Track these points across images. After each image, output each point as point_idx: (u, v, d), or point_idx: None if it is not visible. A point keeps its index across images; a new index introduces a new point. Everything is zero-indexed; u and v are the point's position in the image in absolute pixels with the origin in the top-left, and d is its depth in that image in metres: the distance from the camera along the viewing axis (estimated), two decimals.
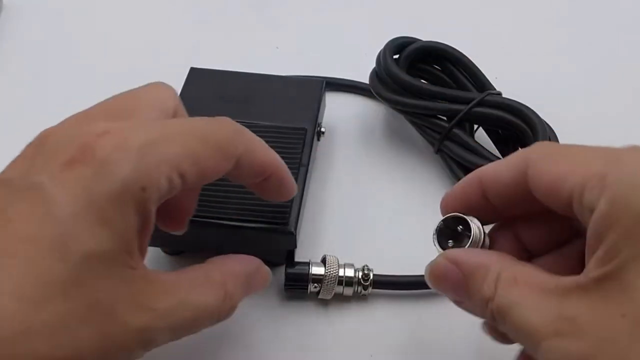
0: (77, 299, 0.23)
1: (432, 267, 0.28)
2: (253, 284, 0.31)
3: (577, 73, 0.50)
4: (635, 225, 0.22)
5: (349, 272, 0.36)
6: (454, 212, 0.29)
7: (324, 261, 0.36)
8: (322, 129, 0.42)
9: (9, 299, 0.22)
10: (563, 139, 0.40)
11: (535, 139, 0.38)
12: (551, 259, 0.29)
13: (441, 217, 0.29)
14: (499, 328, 0.26)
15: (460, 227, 0.28)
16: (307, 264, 0.35)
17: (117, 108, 0.28)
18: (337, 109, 0.46)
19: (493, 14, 0.55)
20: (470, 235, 0.28)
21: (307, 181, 0.38)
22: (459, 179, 0.40)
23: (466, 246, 0.28)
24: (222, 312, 0.28)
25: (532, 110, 0.39)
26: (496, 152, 0.41)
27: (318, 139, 0.41)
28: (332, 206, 0.41)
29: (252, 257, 0.31)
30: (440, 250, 0.28)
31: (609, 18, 0.54)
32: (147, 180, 0.24)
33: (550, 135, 0.39)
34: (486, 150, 0.40)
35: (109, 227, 0.24)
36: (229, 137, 0.28)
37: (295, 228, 0.35)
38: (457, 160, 0.40)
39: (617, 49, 0.51)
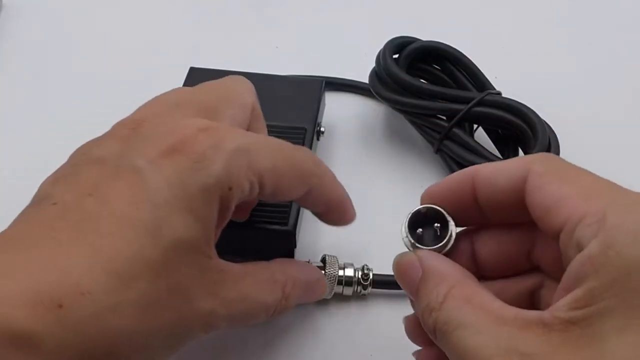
0: (162, 280, 0.24)
1: (401, 258, 0.27)
2: (310, 293, 0.33)
3: (577, 73, 0.49)
4: (622, 276, 0.21)
5: (349, 272, 0.36)
6: (438, 206, 0.28)
7: (323, 261, 0.36)
8: (322, 129, 0.42)
9: (102, 275, 0.23)
10: (563, 139, 0.40)
11: (535, 138, 0.38)
12: (498, 286, 0.28)
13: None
14: (437, 342, 0.25)
15: (437, 224, 0.28)
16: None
17: (202, 102, 0.29)
18: (337, 109, 0.46)
19: (493, 14, 0.55)
20: (444, 236, 0.27)
21: None
22: None
23: (436, 245, 0.27)
24: (276, 310, 0.30)
25: (532, 110, 0.39)
26: (496, 152, 0.41)
27: (318, 139, 0.41)
28: None
29: (316, 268, 0.34)
30: (407, 233, 0.28)
31: (609, 18, 0.54)
32: (235, 181, 0.26)
33: (550, 135, 0.39)
34: (486, 150, 0.40)
35: (197, 217, 0.25)
36: (309, 166, 0.30)
37: (295, 228, 0.35)
38: (456, 159, 0.40)
39: (617, 49, 0.51)
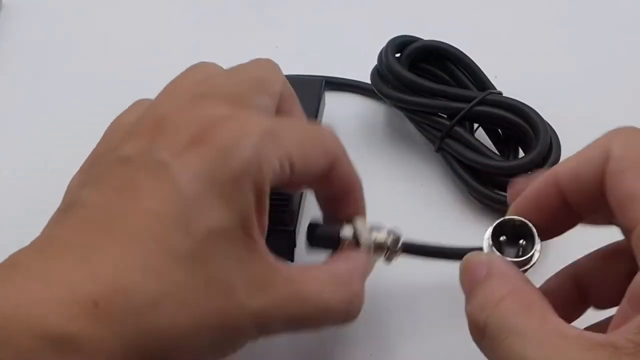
0: (198, 273, 0.24)
1: (471, 256, 0.26)
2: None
3: (577, 73, 0.49)
4: None
5: (380, 235, 0.32)
6: (528, 219, 0.26)
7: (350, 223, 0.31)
8: None
9: (135, 272, 0.23)
10: (563, 139, 0.40)
11: (536, 138, 0.38)
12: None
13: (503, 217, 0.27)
14: (481, 344, 0.23)
15: (523, 241, 0.26)
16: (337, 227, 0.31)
17: (230, 94, 0.28)
18: (337, 109, 0.46)
19: (493, 14, 0.54)
20: (527, 253, 0.26)
21: None
22: (459, 177, 0.40)
23: (516, 259, 0.26)
24: (348, 314, 0.28)
25: (534, 110, 0.39)
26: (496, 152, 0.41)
27: None
28: None
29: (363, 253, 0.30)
30: (489, 237, 0.26)
31: (609, 18, 0.54)
32: (265, 162, 0.26)
33: (552, 135, 0.39)
34: (487, 148, 0.40)
35: (229, 205, 0.25)
36: (332, 140, 0.30)
37: (295, 227, 0.35)
38: (458, 158, 0.40)
39: (617, 49, 0.51)
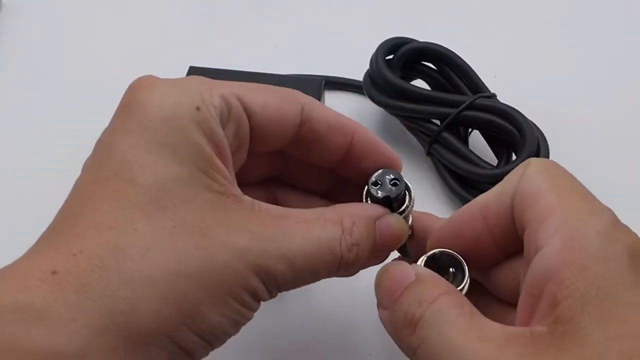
0: (160, 218, 0.23)
1: (396, 265, 0.26)
2: (380, 231, 0.27)
3: (577, 73, 0.49)
4: (589, 267, 0.21)
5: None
6: (452, 250, 0.27)
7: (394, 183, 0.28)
8: None
9: (89, 232, 0.22)
10: (563, 138, 0.40)
11: (523, 141, 0.38)
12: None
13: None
14: (407, 337, 0.24)
15: (452, 269, 0.27)
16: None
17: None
18: (337, 108, 0.45)
19: (493, 14, 0.54)
20: (461, 281, 0.26)
21: None
22: (446, 183, 0.40)
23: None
24: (344, 254, 0.26)
25: (520, 113, 0.39)
26: (487, 157, 0.41)
27: None
28: None
29: (380, 206, 0.28)
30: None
31: (609, 18, 0.54)
32: (199, 100, 0.25)
33: (539, 137, 0.39)
34: (475, 155, 0.40)
35: (173, 150, 0.24)
36: (288, 90, 0.28)
37: None
38: (444, 164, 0.41)
39: (618, 50, 0.51)
